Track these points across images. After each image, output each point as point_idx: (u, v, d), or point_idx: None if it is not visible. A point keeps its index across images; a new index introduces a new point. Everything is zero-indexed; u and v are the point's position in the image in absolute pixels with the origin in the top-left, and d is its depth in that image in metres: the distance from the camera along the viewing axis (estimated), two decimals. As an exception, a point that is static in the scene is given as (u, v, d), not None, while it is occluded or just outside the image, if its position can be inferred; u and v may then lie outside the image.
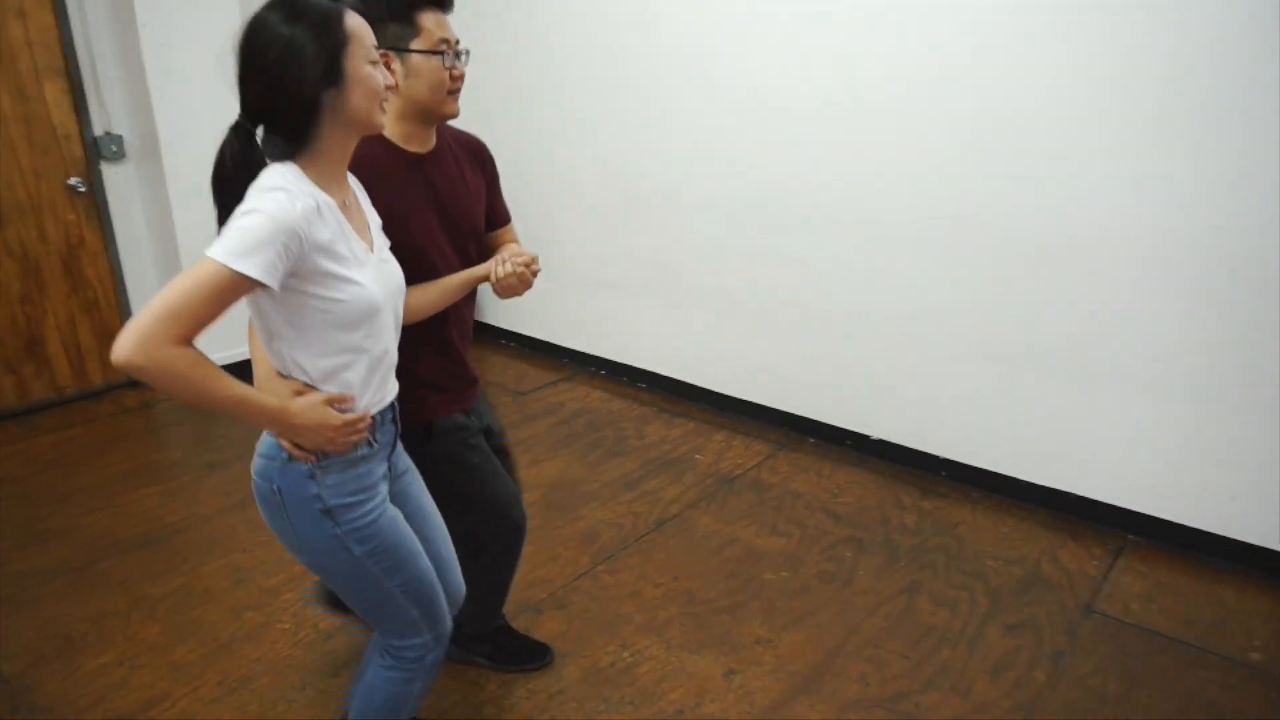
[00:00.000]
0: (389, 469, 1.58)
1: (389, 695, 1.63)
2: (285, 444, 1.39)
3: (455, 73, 1.71)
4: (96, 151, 3.86)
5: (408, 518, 1.59)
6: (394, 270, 1.52)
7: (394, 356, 1.53)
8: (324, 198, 1.34)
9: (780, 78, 3.25)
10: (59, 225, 3.82)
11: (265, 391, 1.38)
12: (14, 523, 2.95)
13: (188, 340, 1.20)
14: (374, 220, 1.54)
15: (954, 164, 2.92)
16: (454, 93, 1.73)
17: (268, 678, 2.21)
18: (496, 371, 4.39)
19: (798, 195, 3.34)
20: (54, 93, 3.71)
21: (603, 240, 4.09)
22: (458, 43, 1.72)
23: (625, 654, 2.31)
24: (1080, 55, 2.59)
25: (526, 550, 2.63)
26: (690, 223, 3.71)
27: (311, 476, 1.41)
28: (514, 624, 2.38)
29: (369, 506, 1.48)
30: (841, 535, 2.89)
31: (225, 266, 1.20)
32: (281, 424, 1.35)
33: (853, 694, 2.18)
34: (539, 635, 2.37)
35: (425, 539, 1.63)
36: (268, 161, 1.34)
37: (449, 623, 1.65)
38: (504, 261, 1.75)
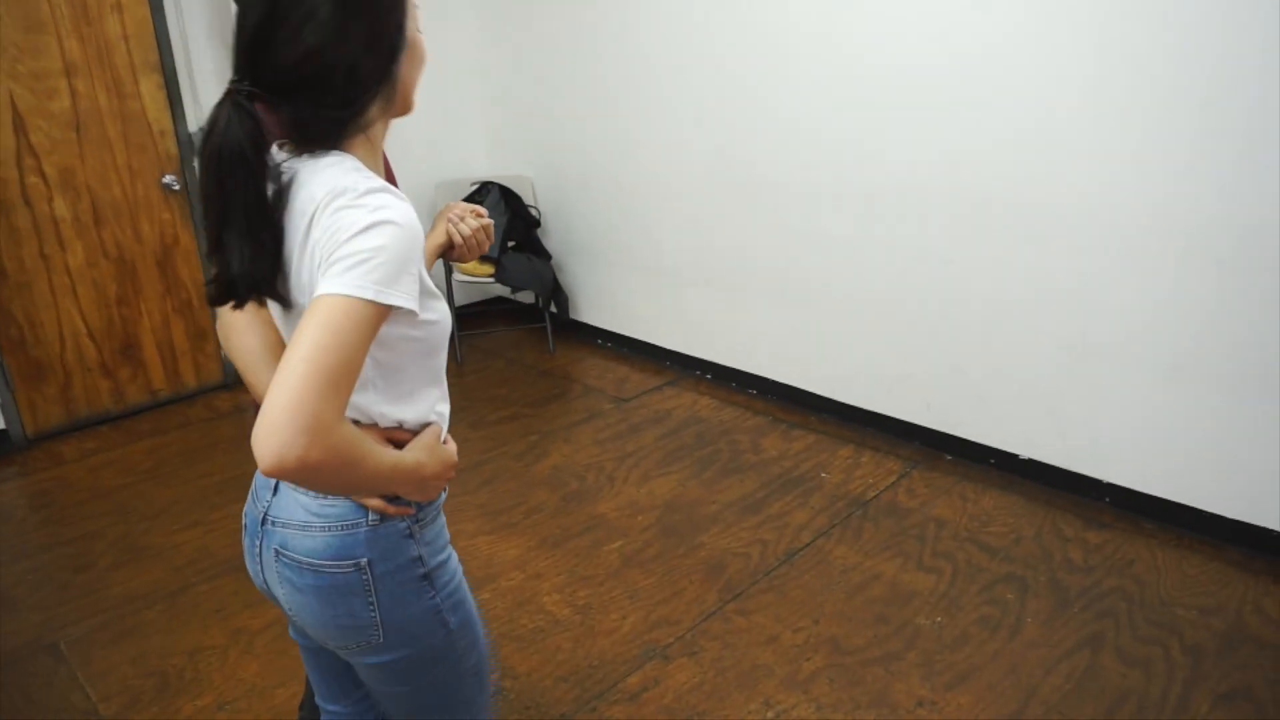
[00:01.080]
0: None
1: None
2: (374, 501, 1.06)
3: None
4: (191, 149, 3.75)
5: None
6: None
7: None
8: None
9: (921, 53, 2.90)
10: (154, 225, 3.72)
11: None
12: (112, 539, 2.84)
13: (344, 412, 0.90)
14: None
15: (1144, 159, 2.54)
16: None
17: None
18: (595, 375, 4.15)
19: (941, 186, 2.98)
20: (149, 88, 3.61)
21: (709, 234, 3.80)
22: None
23: (769, 714, 2.04)
24: (1308, 18, 2.18)
25: (646, 584, 2.40)
26: (812, 214, 3.39)
27: (410, 535, 1.10)
28: (641, 672, 2.13)
29: (453, 561, 1.19)
30: (999, 572, 2.55)
31: (374, 304, 0.90)
32: (417, 480, 1.07)
33: (1043, 776, 1.86)
34: (670, 686, 2.12)
35: None
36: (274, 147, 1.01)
37: None
38: (461, 219, 1.42)
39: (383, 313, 0.92)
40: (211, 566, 2.66)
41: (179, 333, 3.89)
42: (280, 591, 1.12)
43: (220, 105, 0.95)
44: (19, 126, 3.32)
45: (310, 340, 0.87)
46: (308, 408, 0.85)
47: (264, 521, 1.11)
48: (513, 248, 4.34)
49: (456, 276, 4.33)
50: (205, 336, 3.97)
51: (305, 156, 1.00)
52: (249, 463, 2.87)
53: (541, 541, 2.76)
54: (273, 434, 0.84)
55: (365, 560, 1.07)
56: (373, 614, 1.08)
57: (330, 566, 1.07)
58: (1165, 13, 2.37)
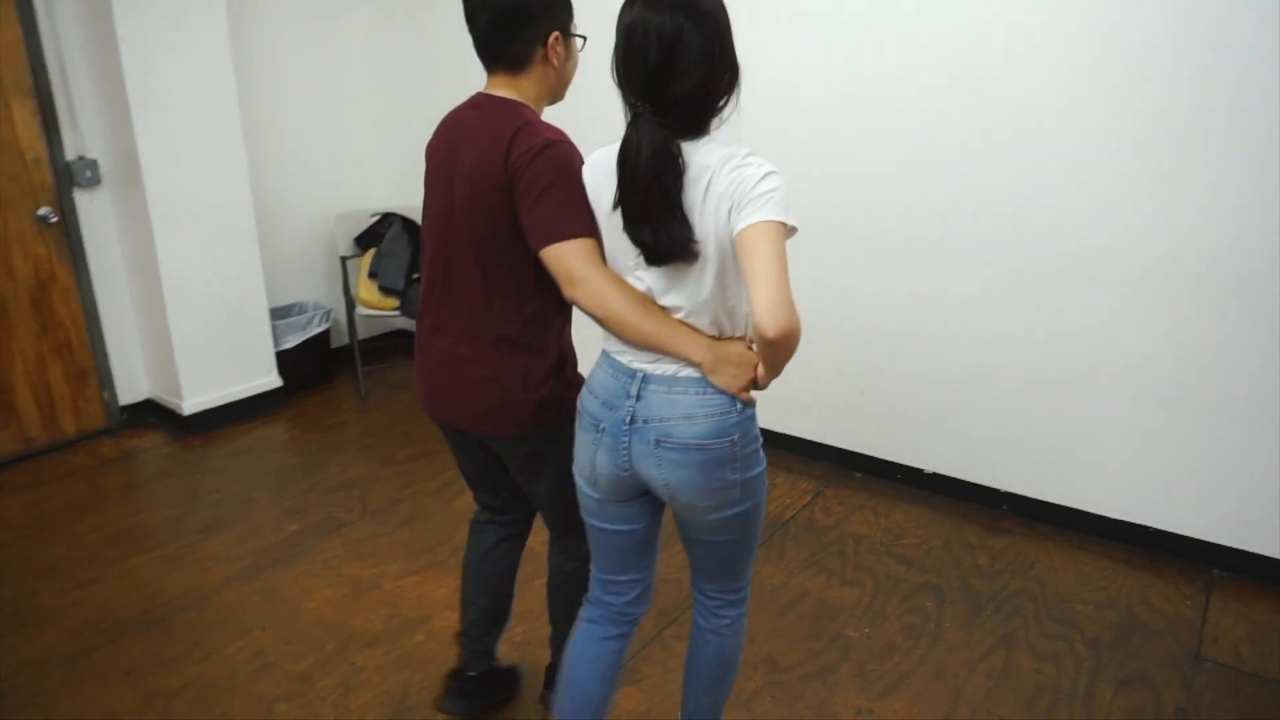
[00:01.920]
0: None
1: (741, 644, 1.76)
2: (747, 394, 1.46)
3: None
4: (69, 178, 3.52)
5: None
6: None
7: None
8: None
9: (929, 96, 3.07)
10: (27, 260, 3.46)
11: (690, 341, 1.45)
12: (-6, 602, 2.61)
13: None
14: None
15: (1008, 186, 2.76)
16: None
17: (318, 787, 1.92)
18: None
19: (855, 217, 3.15)
20: (22, 114, 3.36)
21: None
22: None
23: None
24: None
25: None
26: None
27: (752, 419, 1.51)
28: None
29: None
30: (916, 582, 2.69)
31: (787, 225, 1.29)
32: (741, 362, 1.44)
33: (977, 773, 1.97)
34: (618, 716, 2.12)
35: None
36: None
37: None
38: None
39: (789, 230, 1.31)
40: (114, 626, 2.48)
41: (56, 375, 3.61)
42: (657, 471, 1.48)
43: (637, 125, 1.35)
44: None
45: (771, 251, 1.27)
46: (787, 293, 1.26)
47: (631, 421, 1.47)
48: (416, 279, 4.26)
49: (359, 311, 4.22)
50: (86, 378, 3.71)
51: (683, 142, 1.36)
52: (143, 512, 2.73)
53: (470, 578, 2.71)
54: (786, 311, 1.25)
55: (735, 437, 1.46)
56: (735, 476, 1.49)
57: (713, 444, 1.45)
58: (1181, 68, 2.47)
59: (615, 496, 1.57)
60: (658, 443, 1.46)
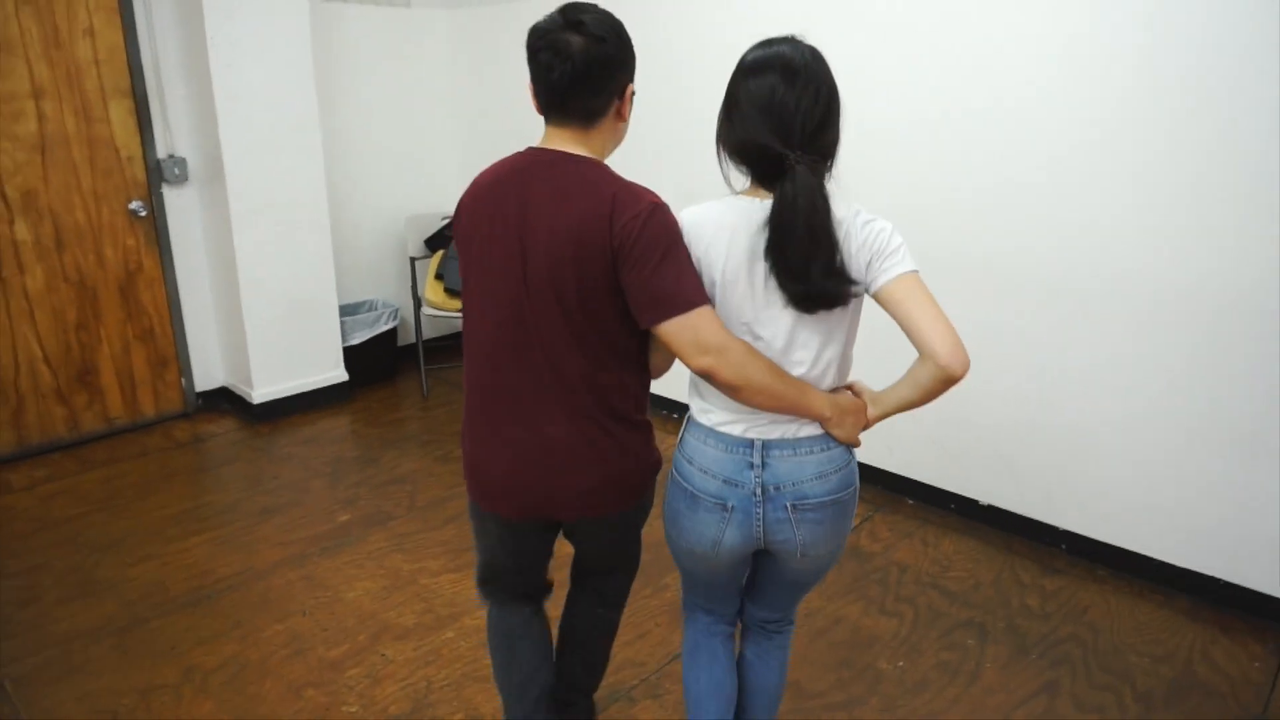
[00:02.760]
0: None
1: None
2: (856, 442, 1.55)
3: None
4: (159, 174, 3.72)
5: None
6: None
7: None
8: None
9: (955, 118, 3.00)
10: (118, 250, 3.67)
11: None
12: (61, 570, 2.76)
13: None
14: None
15: (1099, 217, 2.64)
16: None
17: (333, 774, 1.97)
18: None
19: (920, 239, 3.06)
20: (119, 113, 3.58)
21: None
22: None
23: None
24: None
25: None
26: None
27: (856, 464, 1.59)
28: (605, 715, 2.12)
29: None
30: (960, 618, 2.59)
31: (918, 274, 1.41)
32: (856, 411, 1.54)
33: (1001, 823, 1.88)
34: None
35: None
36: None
37: None
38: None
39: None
40: (165, 602, 2.60)
41: (139, 360, 3.82)
42: (794, 535, 1.51)
43: (792, 175, 1.34)
44: (-17, 147, 3.27)
45: (930, 298, 1.41)
46: (957, 335, 1.39)
47: (763, 493, 1.48)
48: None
49: (425, 310, 4.32)
50: (167, 364, 3.90)
51: None
52: (206, 494, 2.84)
53: (505, 580, 2.74)
54: (961, 352, 1.38)
55: (856, 484, 1.56)
56: (852, 522, 1.58)
57: (844, 496, 1.52)
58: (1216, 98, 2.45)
59: (737, 560, 1.59)
60: (793, 508, 1.49)
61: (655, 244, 1.39)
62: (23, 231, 3.42)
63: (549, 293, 1.45)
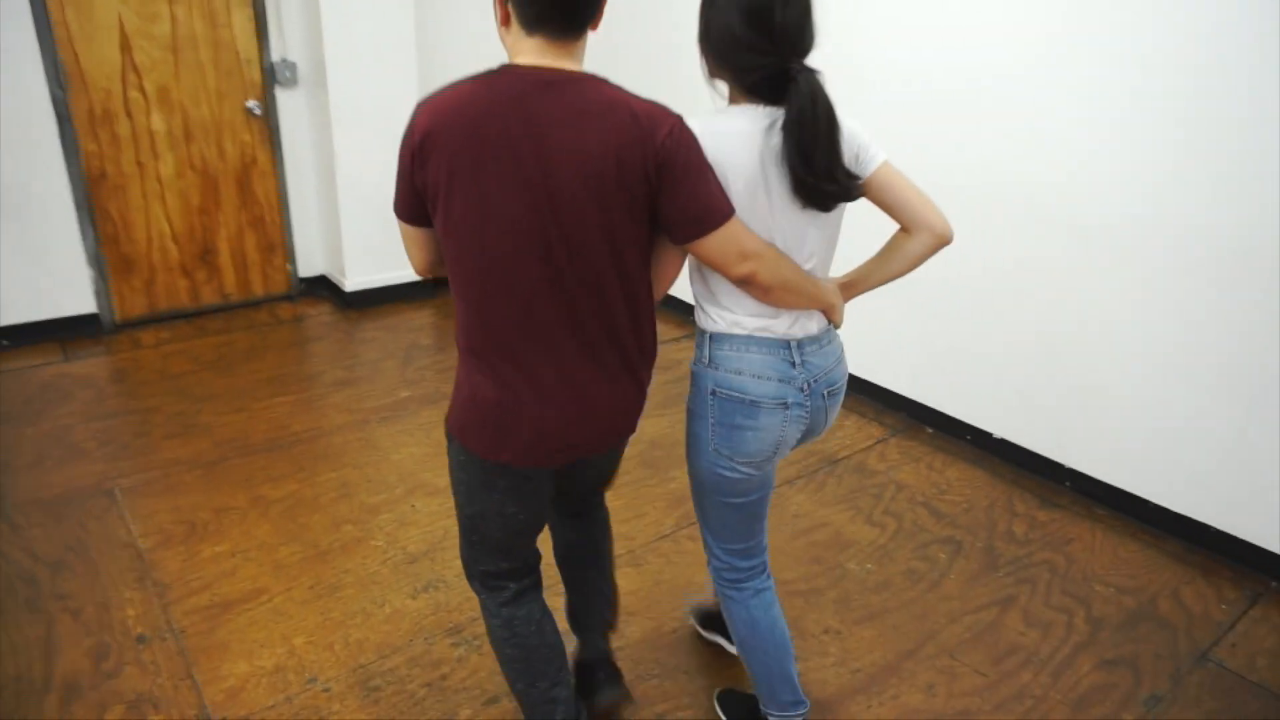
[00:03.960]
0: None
1: None
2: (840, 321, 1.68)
3: None
4: (273, 77, 4.13)
5: None
6: None
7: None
8: None
9: (989, 66, 3.03)
10: (236, 144, 4.13)
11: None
12: (170, 413, 3.28)
13: None
14: None
15: (1123, 160, 2.63)
16: None
17: (353, 589, 2.36)
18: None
19: (951, 175, 3.12)
20: (240, 20, 3.98)
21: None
22: None
23: (690, 622, 2.31)
24: (1289, 35, 2.24)
25: (613, 505, 2.68)
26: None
27: None
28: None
29: None
30: (940, 534, 2.74)
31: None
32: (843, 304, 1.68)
33: (915, 702, 2.08)
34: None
35: None
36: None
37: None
38: None
39: None
40: (247, 446, 3.07)
41: (251, 245, 4.32)
42: (826, 419, 1.68)
43: (800, 80, 1.40)
44: (125, 46, 3.74)
45: (908, 180, 1.54)
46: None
47: (810, 386, 1.59)
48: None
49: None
50: (274, 250, 4.39)
51: None
52: (295, 364, 3.30)
53: (532, 459, 3.07)
54: (945, 221, 1.53)
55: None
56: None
57: (847, 371, 1.72)
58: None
59: (768, 463, 1.64)
60: (828, 394, 1.64)
61: (692, 159, 1.37)
62: (158, 123, 3.91)
63: (590, 225, 1.36)
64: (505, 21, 1.41)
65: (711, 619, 2.23)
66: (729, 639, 2.13)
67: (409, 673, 2.09)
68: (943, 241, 1.55)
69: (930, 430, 3.40)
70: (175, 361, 3.74)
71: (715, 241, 1.40)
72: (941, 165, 3.11)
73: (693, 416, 1.65)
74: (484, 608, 1.70)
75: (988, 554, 2.66)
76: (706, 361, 1.60)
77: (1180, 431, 2.69)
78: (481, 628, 2.20)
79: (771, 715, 1.82)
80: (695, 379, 1.64)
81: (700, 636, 2.26)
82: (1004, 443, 3.17)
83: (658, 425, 3.35)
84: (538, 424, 1.46)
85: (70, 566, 2.40)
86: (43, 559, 2.43)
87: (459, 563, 2.44)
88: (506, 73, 1.37)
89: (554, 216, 1.34)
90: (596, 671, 1.93)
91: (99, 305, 3.95)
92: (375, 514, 2.70)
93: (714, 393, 1.59)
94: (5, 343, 3.75)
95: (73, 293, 3.86)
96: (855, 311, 3.62)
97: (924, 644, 2.27)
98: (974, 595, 2.47)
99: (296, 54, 4.16)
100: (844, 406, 3.55)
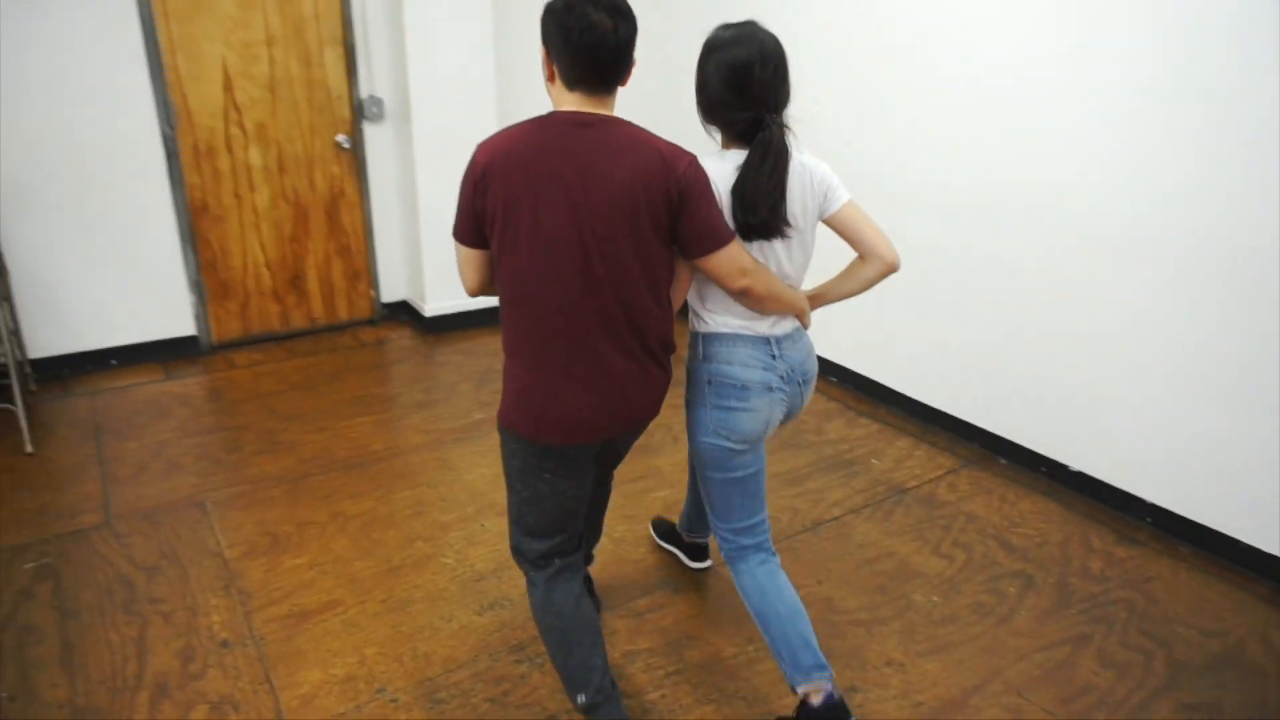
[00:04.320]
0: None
1: None
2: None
3: None
4: (361, 112, 4.34)
5: None
6: None
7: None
8: None
9: (1000, 67, 3.00)
10: (326, 177, 4.35)
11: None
12: (260, 431, 3.46)
13: None
14: None
15: (1203, 173, 2.56)
16: None
17: (423, 604, 2.45)
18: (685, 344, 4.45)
19: (1017, 193, 3.07)
20: (332, 59, 4.22)
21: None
22: None
23: (750, 648, 2.31)
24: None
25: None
26: (900, 215, 3.53)
27: None
28: (650, 597, 2.47)
29: None
30: (1011, 568, 2.68)
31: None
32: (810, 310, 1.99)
33: (980, 740, 2.04)
34: (669, 614, 2.43)
35: None
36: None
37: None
38: None
39: None
40: (330, 463, 3.21)
41: (338, 272, 4.53)
42: (802, 401, 1.99)
43: (770, 130, 1.70)
44: (227, 86, 4.00)
45: (867, 217, 1.85)
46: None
47: (788, 374, 1.91)
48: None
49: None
50: (359, 277, 4.59)
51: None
52: (376, 386, 3.49)
53: (599, 482, 3.13)
54: (895, 253, 1.84)
55: None
56: None
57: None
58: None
59: (759, 441, 1.95)
60: (803, 381, 1.96)
61: (704, 189, 1.68)
62: (255, 157, 4.15)
63: (621, 239, 1.62)
64: (551, 79, 1.70)
65: (667, 532, 2.67)
66: (686, 554, 2.62)
67: (473, 687, 2.15)
68: (891, 269, 1.85)
69: (1004, 462, 3.32)
70: (265, 382, 3.94)
71: (720, 259, 1.70)
72: (1015, 181, 3.07)
73: (693, 405, 1.96)
74: (530, 583, 1.93)
75: (1061, 590, 2.58)
76: (701, 358, 1.92)
77: (1265, 462, 2.57)
78: (540, 647, 2.26)
79: (798, 682, 1.91)
80: (692, 374, 1.97)
81: (658, 546, 2.71)
82: (1081, 475, 3.08)
83: (724, 451, 3.36)
84: (578, 408, 1.73)
85: (164, 572, 2.55)
86: (140, 564, 2.59)
87: (524, 582, 2.52)
88: (553, 117, 1.66)
89: (592, 233, 1.62)
90: None
91: (198, 328, 4.20)
92: (446, 532, 2.79)
93: (710, 382, 1.90)
94: (114, 362, 4.01)
95: (174, 316, 4.12)
96: (929, 341, 3.60)
97: (991, 680, 2.22)
98: (1045, 632, 2.40)
99: (384, 90, 4.37)
100: (914, 436, 3.52)
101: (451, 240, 1.78)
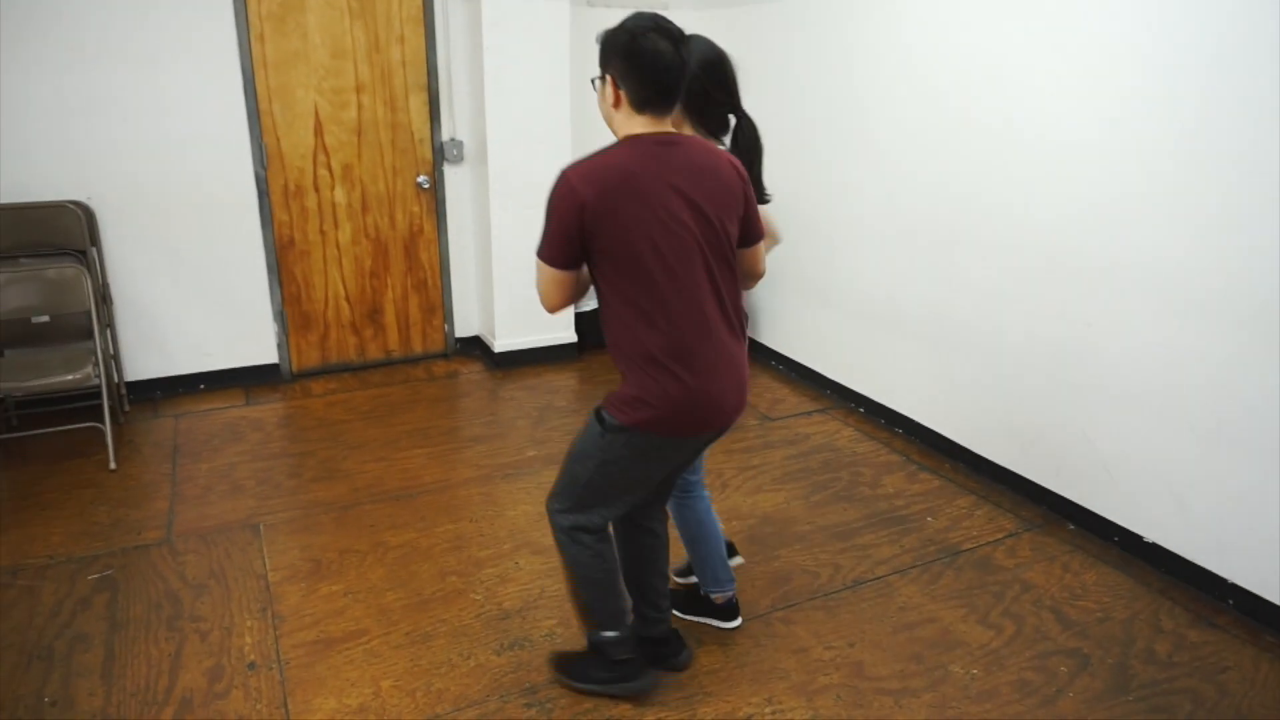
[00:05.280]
0: None
1: None
2: None
3: None
4: (442, 155, 4.52)
5: None
6: None
7: None
8: None
9: (1072, 117, 2.86)
10: (406, 215, 4.54)
11: None
12: (320, 458, 3.59)
13: None
14: None
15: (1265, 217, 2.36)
16: None
17: (445, 639, 2.46)
18: (755, 393, 4.39)
19: (1093, 246, 2.91)
20: (417, 104, 4.41)
21: (878, 274, 3.90)
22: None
23: (767, 710, 2.22)
24: None
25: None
26: (969, 265, 3.40)
27: None
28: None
29: None
30: (1064, 644, 2.49)
31: None
32: None
33: (1003, 831, 1.88)
34: (690, 667, 2.36)
35: None
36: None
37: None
38: None
39: None
40: (380, 494, 3.30)
41: (414, 306, 4.69)
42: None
43: (748, 119, 2.17)
44: (318, 130, 4.24)
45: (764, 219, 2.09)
46: None
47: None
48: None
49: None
50: (434, 312, 4.75)
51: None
52: (438, 419, 3.65)
53: (640, 526, 3.10)
54: (778, 230, 2.30)
55: None
56: None
57: None
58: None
59: None
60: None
61: (751, 192, 1.99)
62: (340, 196, 4.37)
63: (724, 238, 1.89)
64: (616, 104, 1.88)
65: (687, 600, 2.59)
66: (718, 617, 2.57)
67: (479, 728, 2.15)
68: (775, 242, 2.25)
69: (1072, 527, 3.11)
70: (336, 410, 4.10)
71: (759, 247, 2.04)
72: (1086, 233, 2.92)
73: None
74: (582, 545, 2.08)
75: (1119, 673, 2.38)
76: None
77: (1368, 552, 2.31)
78: (554, 690, 2.25)
79: (713, 590, 2.49)
80: None
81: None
82: (1156, 548, 2.85)
83: (772, 500, 3.28)
84: (715, 397, 1.92)
85: (209, 591, 2.67)
86: (189, 582, 2.71)
87: (548, 623, 2.52)
88: (637, 140, 1.85)
89: (704, 237, 1.85)
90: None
91: (279, 356, 4.42)
92: (480, 568, 2.82)
93: None
94: (202, 386, 4.27)
95: (259, 345, 4.35)
96: (996, 396, 3.41)
97: (1025, 766, 2.06)
98: (1094, 717, 2.21)
99: (464, 133, 4.53)
100: (976, 494, 3.34)
101: (535, 263, 1.93)
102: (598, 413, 2.00)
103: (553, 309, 1.96)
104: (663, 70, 1.79)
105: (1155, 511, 2.84)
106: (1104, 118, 2.79)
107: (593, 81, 1.95)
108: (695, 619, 2.56)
